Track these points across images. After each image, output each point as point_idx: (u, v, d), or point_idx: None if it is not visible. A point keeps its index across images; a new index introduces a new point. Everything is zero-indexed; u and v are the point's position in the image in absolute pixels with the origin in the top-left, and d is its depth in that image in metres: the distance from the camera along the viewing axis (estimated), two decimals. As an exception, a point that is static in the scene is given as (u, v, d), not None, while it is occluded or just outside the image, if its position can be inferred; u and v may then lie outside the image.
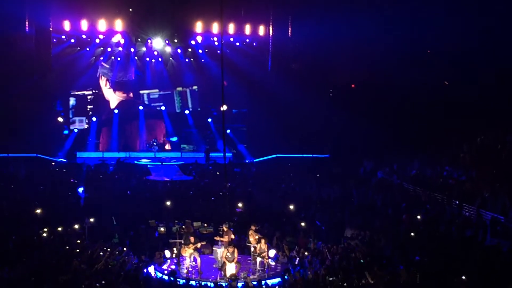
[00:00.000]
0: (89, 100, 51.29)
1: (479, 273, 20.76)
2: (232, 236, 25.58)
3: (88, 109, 51.18)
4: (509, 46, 39.66)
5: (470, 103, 41.54)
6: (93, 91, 51.23)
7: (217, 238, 25.71)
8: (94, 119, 50.38)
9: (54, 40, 47.12)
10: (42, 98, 45.59)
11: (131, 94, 52.50)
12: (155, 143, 50.15)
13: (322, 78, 49.02)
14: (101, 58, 50.27)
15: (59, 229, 27.53)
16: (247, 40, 50.26)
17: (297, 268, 24.20)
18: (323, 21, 43.73)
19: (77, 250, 24.64)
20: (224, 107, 24.50)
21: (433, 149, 40.95)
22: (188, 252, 24.62)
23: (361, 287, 20.59)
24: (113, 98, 51.85)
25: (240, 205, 32.02)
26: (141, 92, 52.58)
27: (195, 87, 53.01)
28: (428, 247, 24.57)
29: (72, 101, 51.21)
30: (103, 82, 51.54)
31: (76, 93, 50.91)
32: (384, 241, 26.25)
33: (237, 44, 50.02)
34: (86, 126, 50.79)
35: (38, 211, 29.11)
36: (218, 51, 48.00)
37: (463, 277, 20.03)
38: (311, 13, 45.31)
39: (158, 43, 49.38)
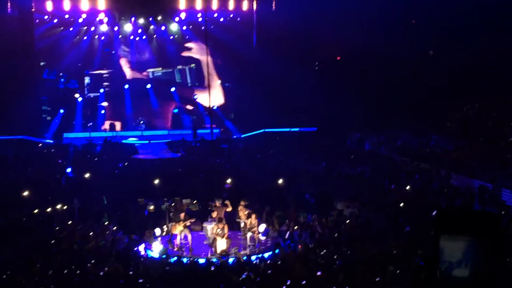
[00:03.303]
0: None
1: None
2: (229, 209, 25.62)
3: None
4: (497, 15, 39.70)
5: (456, 72, 41.66)
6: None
7: (214, 215, 25.67)
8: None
9: (37, 20, 46.73)
10: (27, 79, 45.26)
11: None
12: (142, 121, 49.91)
13: (308, 51, 48.89)
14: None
15: (48, 210, 27.51)
16: (231, 16, 49.99)
17: (288, 242, 24.25)
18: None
19: (67, 231, 24.61)
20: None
21: (420, 119, 41.05)
22: (178, 230, 24.63)
23: (351, 259, 20.65)
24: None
25: (229, 181, 31.99)
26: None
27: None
28: (417, 217, 24.69)
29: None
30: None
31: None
32: (374, 213, 26.36)
33: (221, 19, 49.76)
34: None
35: (26, 193, 29.03)
36: (203, 27, 47.86)
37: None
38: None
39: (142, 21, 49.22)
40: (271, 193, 30.89)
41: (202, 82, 51.55)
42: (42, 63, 48.88)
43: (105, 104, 50.06)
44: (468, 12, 41.03)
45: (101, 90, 50.09)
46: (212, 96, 44.65)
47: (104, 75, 51.22)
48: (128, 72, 51.93)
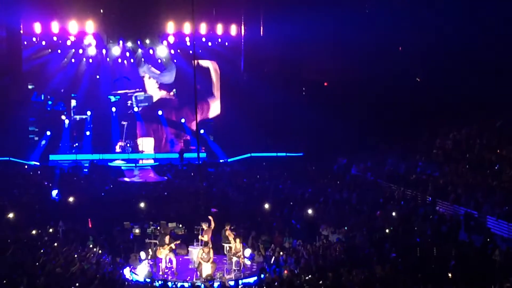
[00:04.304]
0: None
1: (454, 268, 20.97)
2: (212, 225, 25.51)
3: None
4: (482, 41, 40.01)
5: (442, 99, 41.90)
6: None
7: (201, 238, 25.59)
8: (88, 113, 50.05)
9: (25, 42, 46.74)
10: (14, 101, 45.21)
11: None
12: (128, 145, 49.83)
13: (295, 76, 49.15)
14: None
15: (33, 232, 27.38)
16: (219, 40, 50.16)
17: (273, 267, 24.21)
18: (294, 19, 43.84)
19: (52, 253, 24.47)
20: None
21: (406, 145, 41.19)
22: (163, 253, 24.56)
23: (337, 285, 20.62)
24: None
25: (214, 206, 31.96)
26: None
27: (174, 91, 52.53)
28: (403, 243, 24.73)
29: (74, 102, 50.83)
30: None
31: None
32: (359, 238, 26.36)
33: (209, 44, 49.91)
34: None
35: (11, 215, 28.89)
36: (191, 51, 48.00)
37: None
38: (282, 12, 45.33)
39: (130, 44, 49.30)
40: (257, 218, 30.89)
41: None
42: (31, 86, 48.84)
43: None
44: (453, 40, 41.31)
45: (88, 113, 49.90)
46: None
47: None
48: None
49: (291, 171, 41.75)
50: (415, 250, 23.66)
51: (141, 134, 51.33)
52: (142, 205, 31.73)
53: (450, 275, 20.79)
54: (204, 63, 51.60)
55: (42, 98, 49.53)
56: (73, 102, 50.89)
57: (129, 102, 51.63)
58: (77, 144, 49.25)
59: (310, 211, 30.68)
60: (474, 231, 26.42)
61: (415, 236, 26.13)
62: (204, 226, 25.66)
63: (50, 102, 49.83)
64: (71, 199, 32.87)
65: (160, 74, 51.38)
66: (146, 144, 51.24)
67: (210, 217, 25.80)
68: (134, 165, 46.86)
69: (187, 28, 47.84)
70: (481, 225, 27.22)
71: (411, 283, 19.80)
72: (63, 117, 49.37)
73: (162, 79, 51.59)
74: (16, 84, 45.52)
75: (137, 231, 28.83)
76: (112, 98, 51.05)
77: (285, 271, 22.98)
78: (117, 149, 49.59)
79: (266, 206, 31.84)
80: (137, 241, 27.90)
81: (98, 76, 50.57)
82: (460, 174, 33.50)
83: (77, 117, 50.55)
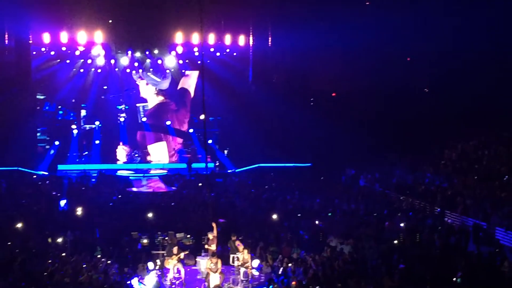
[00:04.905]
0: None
1: (463, 280, 20.91)
2: (215, 232, 25.51)
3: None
4: (491, 52, 40.02)
5: (450, 110, 41.87)
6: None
7: (207, 247, 25.62)
8: (97, 123, 50.21)
9: (34, 52, 46.93)
10: (23, 111, 45.35)
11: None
12: (136, 155, 49.90)
13: (303, 87, 49.19)
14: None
15: (42, 242, 27.41)
16: (228, 50, 50.28)
17: (281, 278, 24.17)
18: (302, 30, 43.84)
19: (60, 263, 24.50)
20: (202, 116, 24.54)
21: (415, 156, 41.13)
22: (171, 264, 24.57)
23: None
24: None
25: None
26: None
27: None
28: (411, 254, 24.67)
29: (83, 112, 51.31)
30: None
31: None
32: (368, 249, 26.30)
33: (218, 54, 50.01)
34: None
35: (19, 225, 28.94)
36: (199, 62, 48.09)
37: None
38: (290, 22, 45.41)
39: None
40: (265, 228, 30.85)
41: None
42: (42, 96, 49.09)
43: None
44: (462, 50, 41.31)
45: (97, 123, 50.01)
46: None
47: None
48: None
49: (299, 181, 41.66)
50: (424, 261, 23.60)
51: (152, 141, 51.44)
52: (150, 215, 31.74)
53: (458, 286, 20.73)
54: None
55: (54, 108, 49.75)
56: (83, 112, 51.12)
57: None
58: (86, 152, 49.36)
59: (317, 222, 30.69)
60: (482, 243, 26.32)
61: (424, 248, 26.07)
62: (210, 235, 25.68)
63: (61, 112, 50.04)
64: (79, 209, 32.88)
65: (160, 82, 51.51)
66: (159, 150, 51.37)
67: (213, 225, 25.81)
68: (142, 175, 46.86)
69: (195, 38, 47.98)
70: (490, 236, 27.13)
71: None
72: (73, 126, 49.48)
73: (160, 86, 51.68)
74: (25, 93, 45.67)
75: (145, 241, 28.89)
76: (121, 107, 51.23)
77: (293, 282, 22.93)
78: (119, 152, 49.78)
79: (274, 216, 31.79)
80: (145, 251, 27.92)
81: (105, 87, 50.77)
82: (469, 185, 33.44)
83: (87, 126, 50.68)
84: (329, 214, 33.13)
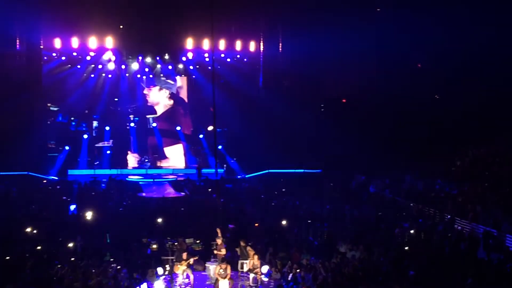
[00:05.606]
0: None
1: (473, 287, 20.82)
2: (219, 239, 25.51)
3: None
4: (501, 60, 39.91)
5: (461, 117, 41.77)
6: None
7: (216, 252, 25.59)
8: (107, 128, 50.41)
9: (45, 57, 47.14)
10: (33, 115, 45.50)
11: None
12: (146, 160, 49.96)
13: (313, 92, 49.19)
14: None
15: (51, 247, 27.45)
16: (238, 56, 50.37)
17: (290, 284, 24.09)
18: (313, 36, 43.84)
19: (70, 268, 24.51)
20: (210, 128, 24.52)
21: (425, 163, 41.01)
22: (180, 269, 24.51)
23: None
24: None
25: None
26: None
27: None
28: (421, 261, 24.58)
29: (95, 123, 51.55)
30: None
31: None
32: (377, 256, 26.22)
33: (228, 60, 50.10)
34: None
35: (29, 229, 28.99)
36: (209, 67, 48.16)
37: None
38: (301, 28, 45.45)
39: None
40: (274, 234, 30.79)
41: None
42: (55, 108, 49.26)
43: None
44: (472, 57, 41.27)
45: (107, 128, 50.09)
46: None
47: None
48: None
49: (308, 187, 41.61)
50: (434, 268, 23.51)
51: (169, 143, 51.59)
52: (159, 220, 31.73)
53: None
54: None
55: (67, 120, 49.93)
56: (95, 123, 51.21)
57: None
58: (98, 162, 49.45)
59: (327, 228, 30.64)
60: (493, 250, 26.24)
61: (434, 254, 25.98)
62: (218, 241, 25.64)
63: (73, 123, 50.17)
64: (89, 214, 32.90)
65: (174, 84, 51.68)
66: (176, 152, 51.50)
67: (217, 229, 25.76)
68: (151, 180, 46.89)
69: (206, 44, 48.10)
70: (500, 243, 27.02)
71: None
72: (85, 136, 49.55)
73: (174, 89, 51.89)
74: (36, 98, 45.86)
75: (154, 246, 28.87)
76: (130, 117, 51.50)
77: (302, 288, 22.90)
78: (130, 159, 49.83)
79: (284, 222, 31.75)
80: (155, 256, 27.89)
81: (116, 99, 51.05)
82: (479, 192, 33.31)
83: (100, 144, 50.67)
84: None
